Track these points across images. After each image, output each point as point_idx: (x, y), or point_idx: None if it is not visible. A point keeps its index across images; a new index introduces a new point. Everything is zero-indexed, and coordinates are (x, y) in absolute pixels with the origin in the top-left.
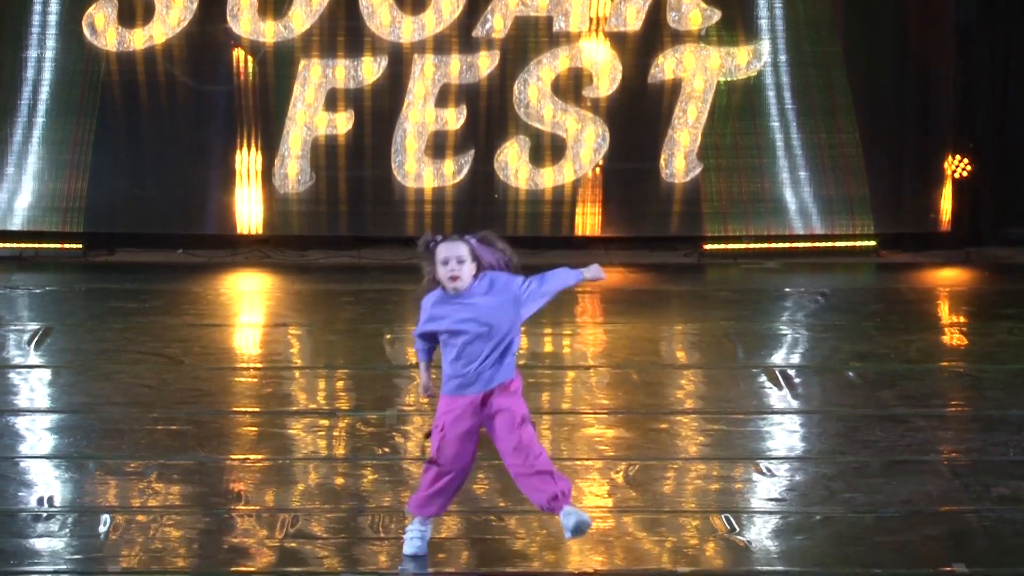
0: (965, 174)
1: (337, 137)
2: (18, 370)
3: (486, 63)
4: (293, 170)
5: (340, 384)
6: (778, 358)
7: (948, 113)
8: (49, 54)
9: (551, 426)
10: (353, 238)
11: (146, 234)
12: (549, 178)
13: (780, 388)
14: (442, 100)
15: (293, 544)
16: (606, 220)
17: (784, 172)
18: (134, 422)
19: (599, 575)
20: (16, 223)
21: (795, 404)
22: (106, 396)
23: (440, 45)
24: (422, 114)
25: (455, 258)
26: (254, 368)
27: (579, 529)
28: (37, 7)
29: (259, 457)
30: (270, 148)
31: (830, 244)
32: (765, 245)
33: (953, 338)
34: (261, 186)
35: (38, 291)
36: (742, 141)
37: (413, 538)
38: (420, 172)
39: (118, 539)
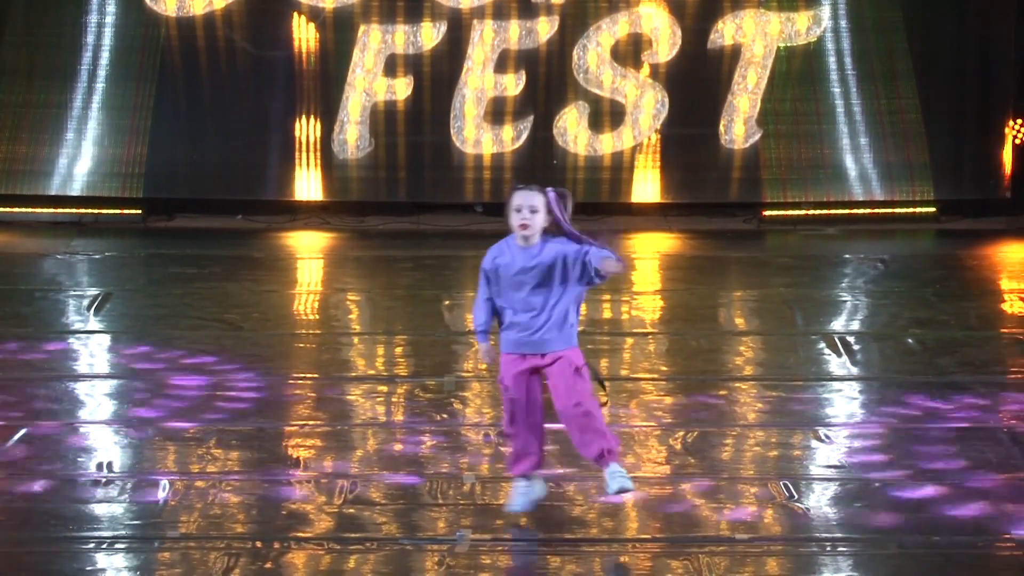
0: None
1: (396, 103)
2: (77, 335)
3: (545, 29)
4: (352, 136)
5: (399, 350)
6: (837, 325)
7: (1009, 79)
8: (109, 19)
9: (610, 392)
10: (412, 204)
11: (205, 200)
12: (608, 144)
13: (839, 355)
14: (501, 66)
15: (351, 510)
16: (665, 186)
17: (844, 138)
18: (193, 388)
19: (657, 542)
20: (76, 188)
21: (854, 371)
22: (165, 362)
23: (499, 11)
24: (481, 80)
25: (528, 207)
26: (313, 334)
27: (622, 492)
28: None
29: (317, 423)
30: (329, 114)
31: (890, 210)
32: (824, 211)
33: (1013, 305)
34: (320, 152)
35: (97, 257)
36: (802, 107)
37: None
38: (479, 138)
39: (177, 505)
